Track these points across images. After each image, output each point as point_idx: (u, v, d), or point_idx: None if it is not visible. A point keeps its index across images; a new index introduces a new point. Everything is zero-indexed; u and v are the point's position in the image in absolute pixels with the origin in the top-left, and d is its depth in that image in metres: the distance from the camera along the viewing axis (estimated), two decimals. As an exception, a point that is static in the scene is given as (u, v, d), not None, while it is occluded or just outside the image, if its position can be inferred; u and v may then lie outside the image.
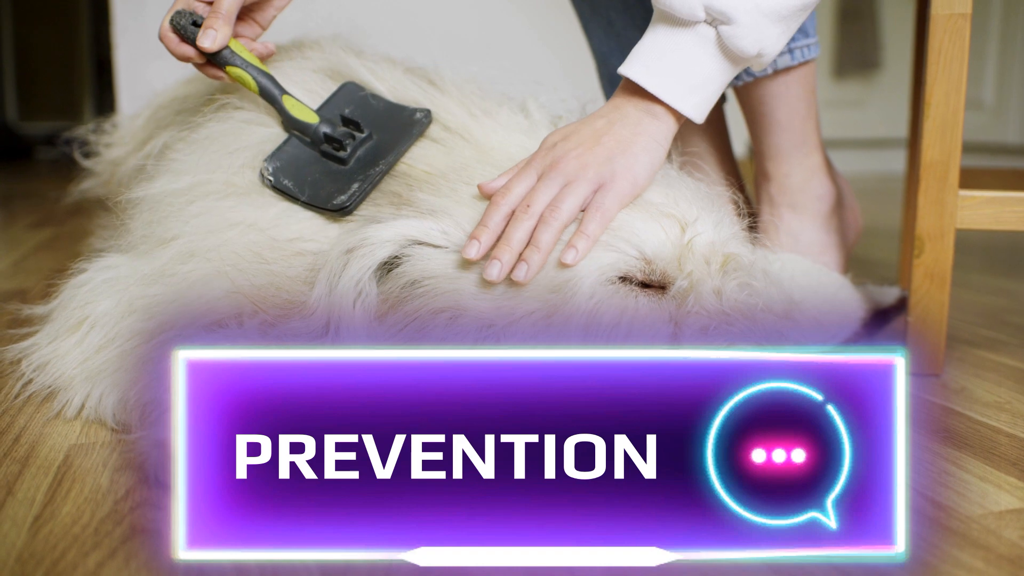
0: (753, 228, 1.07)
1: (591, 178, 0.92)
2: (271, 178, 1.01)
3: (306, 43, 1.28)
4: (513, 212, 0.92)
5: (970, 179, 1.27)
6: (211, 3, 1.06)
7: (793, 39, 1.18)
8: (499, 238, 0.90)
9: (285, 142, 1.06)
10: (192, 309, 0.94)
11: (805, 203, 1.28)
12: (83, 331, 0.97)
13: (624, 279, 0.92)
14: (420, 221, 0.94)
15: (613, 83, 1.43)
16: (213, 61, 1.06)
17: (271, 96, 1.06)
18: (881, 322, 1.31)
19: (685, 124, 1.37)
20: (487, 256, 0.90)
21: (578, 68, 2.04)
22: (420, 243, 0.93)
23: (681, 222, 0.93)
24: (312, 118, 1.06)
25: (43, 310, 1.04)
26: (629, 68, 0.98)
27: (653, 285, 0.92)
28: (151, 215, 1.03)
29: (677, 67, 0.96)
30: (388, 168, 1.03)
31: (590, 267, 0.91)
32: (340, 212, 0.98)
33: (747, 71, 1.20)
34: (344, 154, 1.04)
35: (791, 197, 1.28)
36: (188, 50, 1.06)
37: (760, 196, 1.32)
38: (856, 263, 1.46)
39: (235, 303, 0.93)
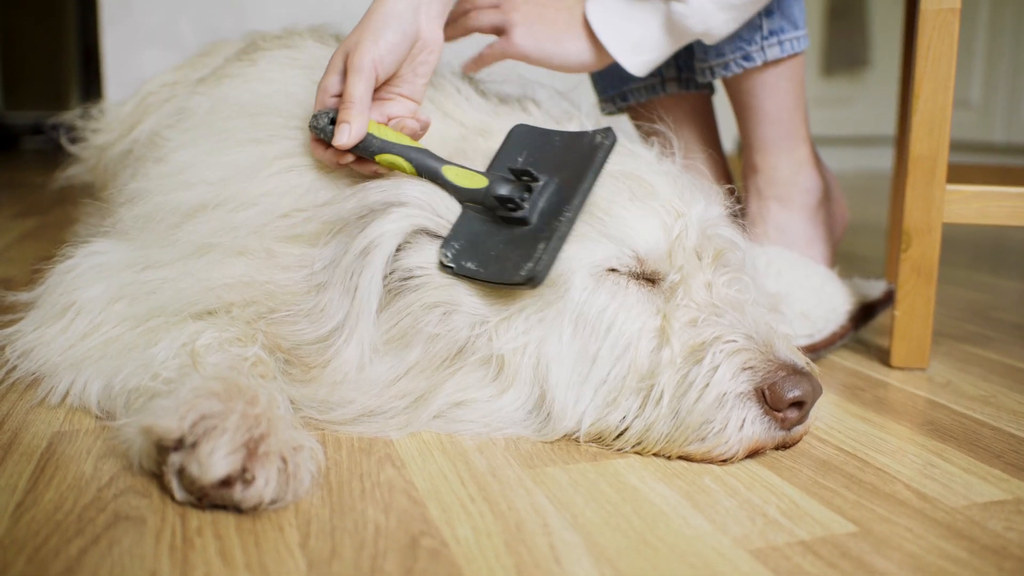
0: (741, 222, 1.07)
1: (508, 19, 1.14)
2: (452, 265, 0.90)
3: (295, 32, 1.27)
4: None
5: (957, 174, 1.27)
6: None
7: (782, 31, 1.18)
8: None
9: (461, 217, 0.93)
10: (182, 299, 0.93)
11: (793, 196, 1.28)
12: (68, 317, 0.96)
13: (614, 271, 0.91)
14: (422, 209, 0.93)
15: (602, 75, 1.43)
16: (359, 154, 0.96)
17: (431, 172, 0.94)
18: (868, 316, 1.31)
19: (673, 119, 1.38)
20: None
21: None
22: (425, 231, 0.93)
23: (679, 214, 0.93)
24: (480, 182, 0.93)
25: (28, 297, 1.03)
26: (594, 11, 1.13)
27: (644, 277, 0.92)
28: (149, 211, 1.02)
29: (629, 28, 1.11)
30: (575, 214, 0.90)
31: (583, 261, 0.91)
32: (528, 284, 0.87)
33: (735, 62, 1.20)
34: (523, 212, 0.90)
35: (779, 189, 1.28)
36: (332, 153, 0.97)
37: (748, 189, 1.32)
38: (843, 258, 1.46)
39: (226, 295, 0.92)
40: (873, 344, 1.33)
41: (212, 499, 0.73)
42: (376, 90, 0.99)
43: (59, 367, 0.95)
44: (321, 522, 0.72)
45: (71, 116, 1.64)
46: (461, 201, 0.94)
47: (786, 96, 1.23)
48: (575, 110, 1.15)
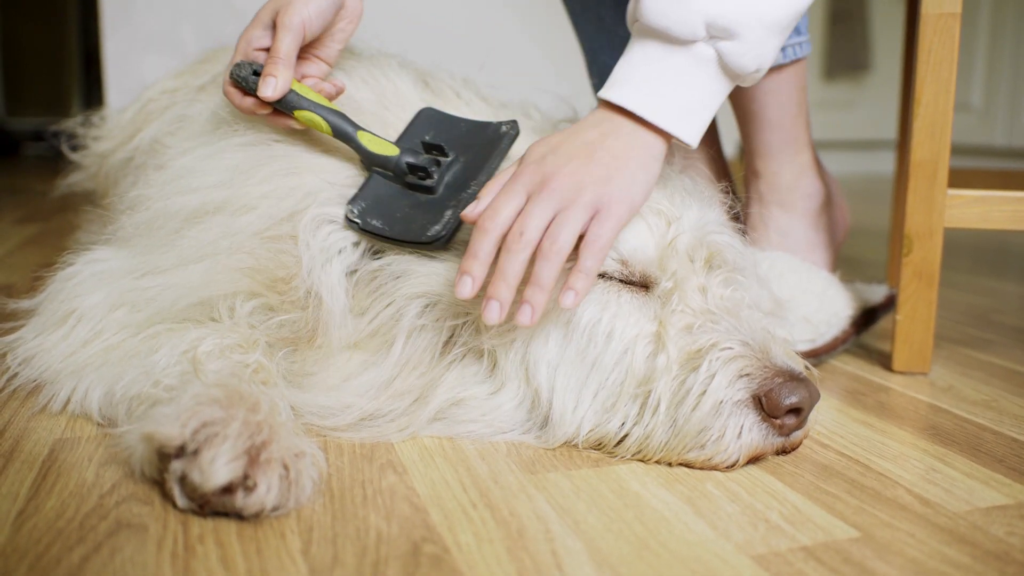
0: (742, 226, 1.07)
1: (588, 202, 0.84)
2: (358, 220, 0.94)
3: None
4: (504, 237, 0.84)
5: (958, 179, 1.27)
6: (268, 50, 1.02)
7: (784, 37, 1.18)
8: (495, 270, 0.83)
9: (368, 180, 0.99)
10: (187, 286, 0.94)
11: (794, 201, 1.28)
12: (70, 324, 0.96)
13: (604, 276, 0.92)
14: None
15: (602, 78, 1.43)
16: (280, 109, 1.01)
17: (345, 135, 1.00)
18: (869, 320, 1.31)
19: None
20: (482, 291, 0.83)
21: (567, 63, 2.04)
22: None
23: (668, 219, 0.93)
24: (392, 150, 0.99)
25: (29, 304, 1.03)
26: (622, 95, 0.90)
27: (635, 283, 0.92)
28: (149, 218, 1.02)
29: (676, 93, 0.89)
30: (480, 189, 0.94)
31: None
32: (435, 243, 0.92)
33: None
34: (431, 182, 0.98)
35: (781, 195, 1.28)
36: (251, 102, 1.01)
37: (750, 194, 1.32)
38: (844, 262, 1.46)
39: (232, 280, 0.93)
40: (875, 348, 1.33)
41: (214, 506, 0.73)
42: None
43: (60, 374, 0.95)
44: (323, 529, 0.72)
45: (72, 123, 1.64)
46: (370, 165, 1.00)
47: (788, 102, 1.23)
48: (577, 115, 1.15)
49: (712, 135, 1.42)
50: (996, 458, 0.91)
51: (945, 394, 1.12)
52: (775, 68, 1.20)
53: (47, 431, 0.92)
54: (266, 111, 1.01)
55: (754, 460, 0.87)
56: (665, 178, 1.00)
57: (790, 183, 1.28)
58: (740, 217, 1.08)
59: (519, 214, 0.84)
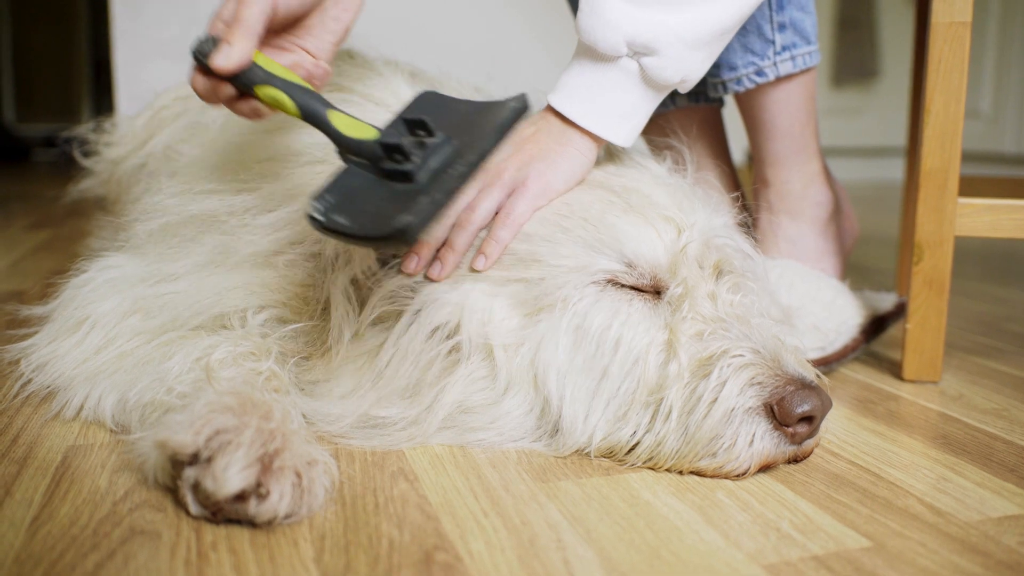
0: (751, 234, 1.07)
1: (505, 182, 0.95)
2: (321, 219, 0.79)
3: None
4: None
5: (968, 187, 1.27)
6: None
7: (794, 46, 1.19)
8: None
9: (340, 171, 0.84)
10: (199, 302, 0.94)
11: (803, 209, 1.28)
12: (83, 331, 0.97)
13: (613, 282, 0.92)
14: None
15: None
16: (240, 86, 0.86)
17: (315, 115, 0.86)
18: (879, 328, 1.31)
19: (684, 131, 1.38)
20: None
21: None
22: None
23: (679, 226, 0.94)
24: (370, 133, 0.84)
25: (42, 310, 1.03)
26: (559, 101, 1.00)
27: (645, 290, 0.92)
28: (164, 227, 1.03)
29: (605, 101, 0.99)
30: (469, 170, 0.81)
31: (575, 270, 0.91)
32: (402, 236, 0.76)
33: (748, 77, 1.20)
34: (411, 166, 0.81)
35: (790, 203, 1.28)
36: (210, 85, 0.86)
37: (759, 202, 1.32)
38: (853, 270, 1.46)
39: (243, 296, 0.93)
40: (885, 357, 1.33)
41: (227, 513, 0.73)
42: (276, 34, 0.91)
43: (74, 381, 0.96)
44: (335, 537, 0.73)
45: (84, 130, 1.65)
46: (344, 152, 0.86)
47: (798, 111, 1.23)
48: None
49: (723, 149, 1.43)
50: (1008, 468, 0.91)
51: (955, 403, 1.12)
52: (784, 77, 1.21)
53: (60, 437, 0.92)
54: (228, 92, 0.87)
55: (765, 468, 0.87)
56: (675, 187, 1.00)
57: (799, 191, 1.28)
58: (749, 226, 1.08)
59: None
